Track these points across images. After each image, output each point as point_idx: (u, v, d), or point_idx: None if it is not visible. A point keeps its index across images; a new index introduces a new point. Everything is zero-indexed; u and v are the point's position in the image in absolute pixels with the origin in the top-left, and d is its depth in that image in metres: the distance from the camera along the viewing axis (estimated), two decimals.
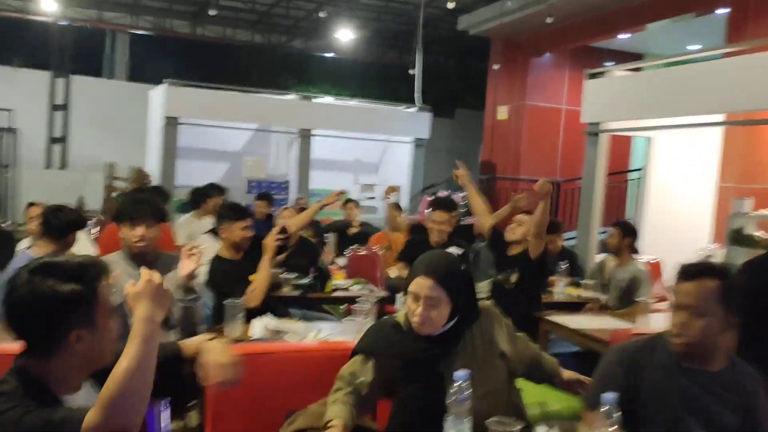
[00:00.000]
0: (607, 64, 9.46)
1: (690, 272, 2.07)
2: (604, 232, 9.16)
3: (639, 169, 9.06)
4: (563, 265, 5.03)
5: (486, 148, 12.17)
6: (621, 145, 10.30)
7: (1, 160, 12.02)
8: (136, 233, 3.09)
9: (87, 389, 1.66)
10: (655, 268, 6.10)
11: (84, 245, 4.34)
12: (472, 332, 2.21)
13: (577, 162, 9.41)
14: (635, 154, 10.55)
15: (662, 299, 5.40)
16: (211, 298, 3.94)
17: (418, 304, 2.10)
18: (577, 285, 5.19)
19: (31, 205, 4.43)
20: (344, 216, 7.49)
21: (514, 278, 4.32)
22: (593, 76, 7.53)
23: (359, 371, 2.16)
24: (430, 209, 4.96)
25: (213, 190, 6.59)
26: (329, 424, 2.01)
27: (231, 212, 3.86)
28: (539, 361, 2.44)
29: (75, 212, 3.66)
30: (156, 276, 1.67)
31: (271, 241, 3.76)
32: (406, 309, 2.16)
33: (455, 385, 1.97)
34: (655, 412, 2.05)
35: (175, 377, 1.86)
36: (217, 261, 3.82)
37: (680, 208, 7.41)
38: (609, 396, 1.86)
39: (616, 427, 1.84)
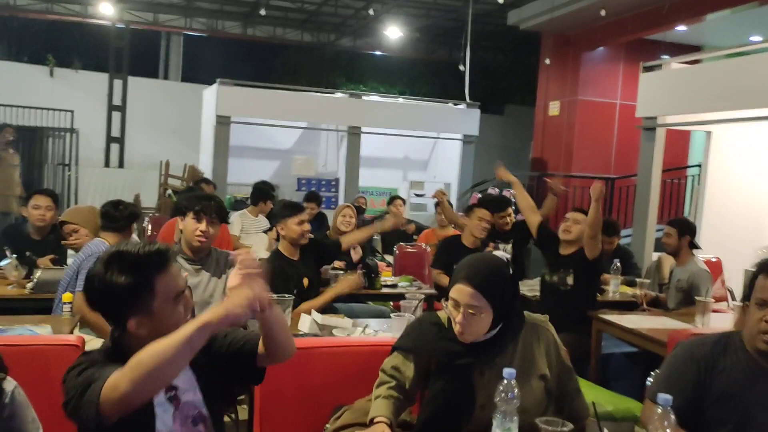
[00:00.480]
0: (663, 57, 9.18)
1: None
2: (660, 230, 8.93)
3: (698, 165, 8.77)
4: (617, 263, 4.90)
5: (537, 145, 11.98)
6: (679, 140, 9.99)
7: (63, 159, 12.46)
8: (200, 227, 3.13)
9: None
10: (716, 267, 5.88)
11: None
12: (516, 343, 2.11)
13: (632, 158, 9.17)
14: (694, 149, 10.21)
15: (722, 299, 5.20)
16: None
17: (459, 311, 2.02)
18: (631, 284, 5.06)
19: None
20: (391, 214, 7.46)
21: (570, 280, 4.22)
22: (648, 69, 7.31)
23: (401, 366, 2.14)
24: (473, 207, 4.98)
25: (269, 194, 6.65)
26: (375, 421, 1.99)
27: (286, 209, 3.90)
28: (573, 400, 2.16)
29: (132, 205, 3.77)
30: (264, 294, 1.62)
31: (346, 286, 3.92)
32: (449, 313, 2.10)
33: (504, 382, 1.94)
34: (728, 412, 1.97)
35: (250, 368, 1.87)
36: (275, 256, 3.87)
37: (740, 205, 7.12)
38: (665, 397, 1.79)
39: (672, 429, 1.77)
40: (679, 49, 10.16)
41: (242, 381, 2.03)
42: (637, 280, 4.99)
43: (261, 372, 1.90)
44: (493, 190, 9.89)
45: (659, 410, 1.79)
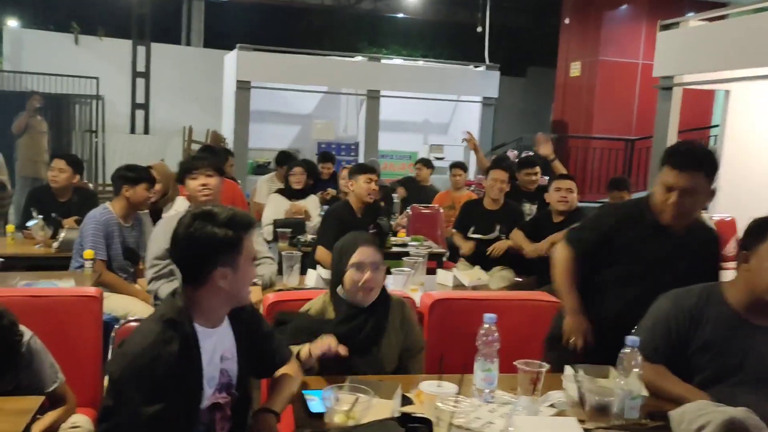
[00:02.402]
0: (688, 14, 9.00)
1: None
2: None
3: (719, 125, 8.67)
4: None
5: (558, 107, 11.90)
6: (702, 100, 9.85)
7: (90, 125, 12.70)
8: (198, 182, 3.30)
9: (224, 328, 1.91)
10: (730, 226, 5.89)
11: (182, 204, 4.65)
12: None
13: (653, 119, 9.09)
14: (718, 109, 10.06)
15: (731, 259, 5.22)
16: (276, 254, 4.19)
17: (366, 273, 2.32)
18: None
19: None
20: (415, 176, 7.54)
21: None
22: (666, 27, 7.21)
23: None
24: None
25: (290, 159, 6.78)
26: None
27: (360, 168, 4.44)
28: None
29: (123, 169, 3.92)
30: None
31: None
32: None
33: (485, 326, 2.07)
34: (707, 361, 2.06)
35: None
36: (344, 207, 4.33)
37: (758, 164, 7.05)
38: (632, 339, 1.91)
39: (640, 368, 1.89)
40: (703, 5, 9.95)
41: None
42: None
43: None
44: (511, 153, 9.89)
45: (627, 350, 1.90)
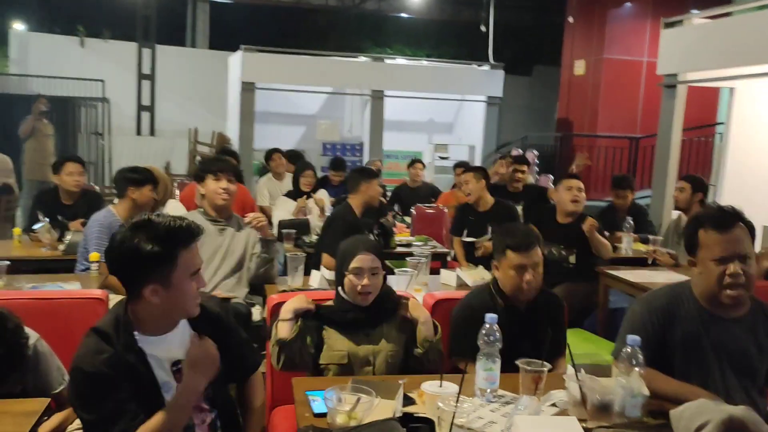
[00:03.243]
0: (692, 11, 8.96)
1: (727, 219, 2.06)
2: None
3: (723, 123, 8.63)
4: (630, 221, 4.95)
5: (562, 105, 11.88)
6: (708, 98, 9.82)
7: (96, 128, 12.76)
8: (221, 185, 3.35)
9: (177, 335, 1.86)
10: None
11: (174, 207, 4.68)
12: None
13: (658, 117, 9.06)
14: (723, 106, 10.02)
15: None
16: (282, 254, 4.22)
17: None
18: (645, 241, 5.09)
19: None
20: (409, 176, 7.57)
21: (572, 258, 4.27)
22: (670, 25, 7.19)
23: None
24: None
25: (275, 152, 6.84)
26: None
27: (368, 174, 4.55)
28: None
29: (126, 171, 3.95)
30: (209, 345, 1.86)
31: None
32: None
33: (486, 326, 2.08)
34: (689, 360, 2.09)
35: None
36: (346, 209, 4.39)
37: (763, 162, 7.03)
38: (633, 338, 1.91)
39: (641, 368, 1.90)
40: (708, 3, 9.91)
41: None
42: (650, 237, 5.03)
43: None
44: (516, 151, 9.89)
45: (628, 349, 1.91)
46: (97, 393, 1.68)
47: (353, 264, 2.35)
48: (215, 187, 3.37)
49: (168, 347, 1.83)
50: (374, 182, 4.42)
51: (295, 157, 6.94)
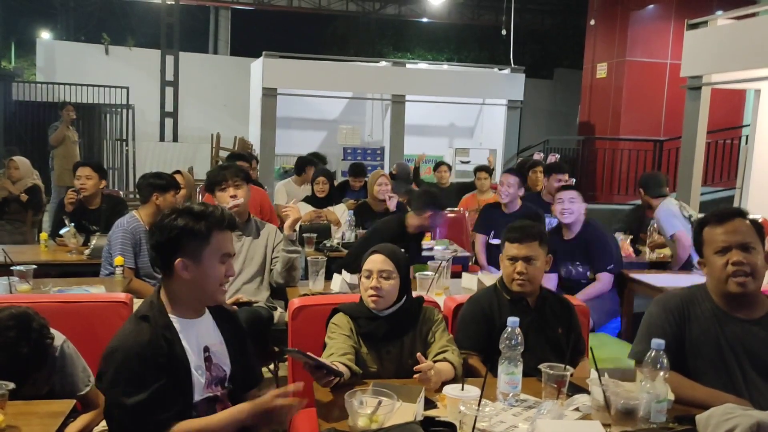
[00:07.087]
0: (717, 12, 8.85)
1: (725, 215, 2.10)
2: (706, 192, 8.72)
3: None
4: (654, 224, 4.88)
5: (584, 108, 11.79)
6: (734, 100, 9.69)
7: (121, 134, 12.94)
8: (227, 194, 3.37)
9: (206, 321, 1.97)
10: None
11: None
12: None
13: (683, 119, 8.96)
14: (749, 108, 9.88)
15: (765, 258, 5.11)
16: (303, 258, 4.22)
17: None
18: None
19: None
20: (436, 179, 7.57)
21: (591, 275, 4.13)
22: (693, 26, 7.11)
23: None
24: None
25: (313, 162, 6.85)
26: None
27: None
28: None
29: (152, 176, 4.01)
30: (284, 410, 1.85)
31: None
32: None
33: (508, 330, 2.07)
34: (705, 361, 2.07)
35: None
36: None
37: None
38: (657, 341, 1.89)
39: (665, 372, 1.87)
40: (732, 3, 9.79)
41: None
42: (649, 229, 4.91)
43: None
44: (538, 156, 9.83)
45: (652, 353, 1.89)
46: (141, 374, 1.75)
47: (365, 266, 2.36)
48: (224, 197, 3.42)
49: (197, 332, 1.92)
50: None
51: (307, 162, 6.89)
